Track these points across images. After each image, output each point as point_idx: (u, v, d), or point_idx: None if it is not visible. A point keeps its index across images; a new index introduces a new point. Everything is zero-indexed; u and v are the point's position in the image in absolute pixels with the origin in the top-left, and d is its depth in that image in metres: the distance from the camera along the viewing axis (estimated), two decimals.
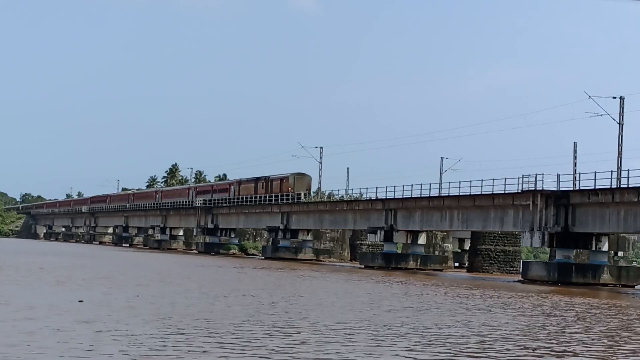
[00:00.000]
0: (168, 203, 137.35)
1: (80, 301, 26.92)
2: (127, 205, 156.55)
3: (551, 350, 20.37)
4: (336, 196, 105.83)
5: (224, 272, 57.77)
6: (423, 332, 22.82)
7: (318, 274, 60.36)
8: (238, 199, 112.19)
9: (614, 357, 20.12)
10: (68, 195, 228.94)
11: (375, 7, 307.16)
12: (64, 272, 44.80)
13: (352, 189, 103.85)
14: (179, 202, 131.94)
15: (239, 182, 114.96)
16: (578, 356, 19.64)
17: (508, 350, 19.95)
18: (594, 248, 65.30)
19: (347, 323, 23.94)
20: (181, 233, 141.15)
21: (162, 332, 19.91)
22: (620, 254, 78.67)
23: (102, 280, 39.46)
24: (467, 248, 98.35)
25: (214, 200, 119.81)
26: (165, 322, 22.17)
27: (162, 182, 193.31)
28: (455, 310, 31.31)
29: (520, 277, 70.56)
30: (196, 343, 18.45)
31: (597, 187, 61.53)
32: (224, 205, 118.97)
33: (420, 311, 29.84)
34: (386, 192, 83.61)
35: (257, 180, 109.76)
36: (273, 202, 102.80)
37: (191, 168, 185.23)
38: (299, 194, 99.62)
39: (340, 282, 49.71)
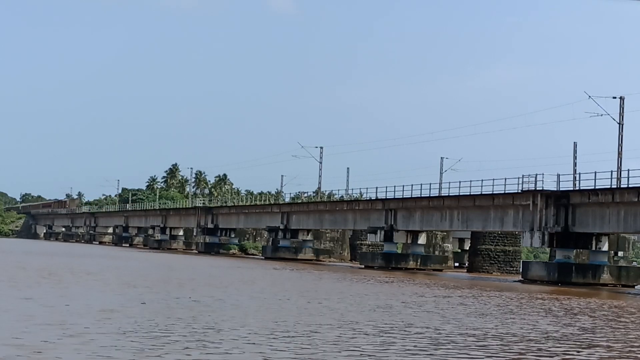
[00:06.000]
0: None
1: (142, 303, 27.45)
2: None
3: None
4: (336, 196, 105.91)
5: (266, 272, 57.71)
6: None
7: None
8: (54, 210, 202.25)
9: None
10: (68, 195, 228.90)
11: (375, 7, 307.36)
12: (104, 275, 45.06)
13: (352, 189, 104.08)
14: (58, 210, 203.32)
15: (59, 202, 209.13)
16: None
17: None
18: (594, 248, 65.28)
19: None
20: (181, 233, 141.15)
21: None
22: (620, 254, 78.73)
23: (155, 283, 40.25)
24: (467, 248, 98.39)
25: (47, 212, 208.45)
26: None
27: (162, 182, 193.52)
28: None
29: (520, 277, 70.57)
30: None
31: (597, 187, 61.54)
32: (225, 205, 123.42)
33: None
34: (386, 192, 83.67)
35: (64, 200, 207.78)
36: (273, 202, 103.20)
37: (191, 168, 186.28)
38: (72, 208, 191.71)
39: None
